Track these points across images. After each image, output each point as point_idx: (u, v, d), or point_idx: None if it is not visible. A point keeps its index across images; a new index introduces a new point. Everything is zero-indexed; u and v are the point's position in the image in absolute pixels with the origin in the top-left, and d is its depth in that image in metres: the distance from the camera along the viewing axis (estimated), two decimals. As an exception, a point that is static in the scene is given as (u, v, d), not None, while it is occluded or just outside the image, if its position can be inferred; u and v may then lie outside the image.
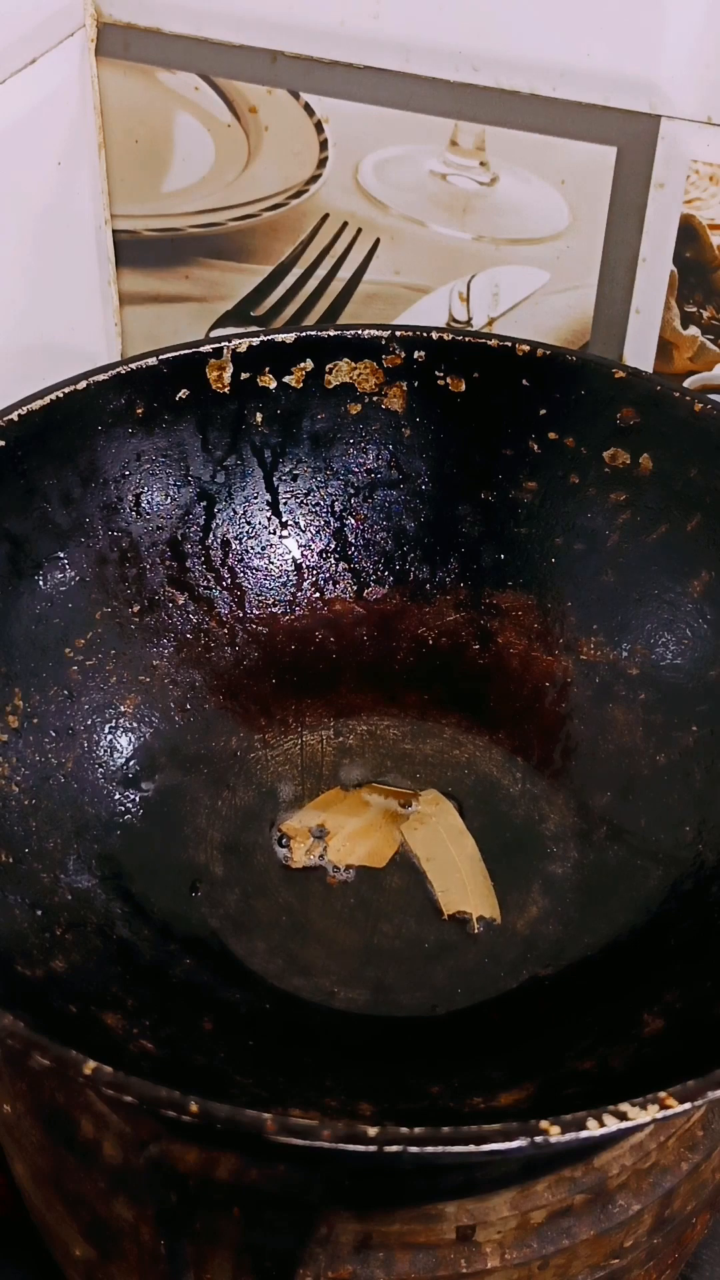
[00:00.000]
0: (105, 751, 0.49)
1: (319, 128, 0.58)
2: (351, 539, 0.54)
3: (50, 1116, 0.41)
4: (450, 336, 0.52)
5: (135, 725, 0.50)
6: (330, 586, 0.54)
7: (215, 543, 0.53)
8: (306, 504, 0.54)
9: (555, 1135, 0.30)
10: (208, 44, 0.57)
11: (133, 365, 0.50)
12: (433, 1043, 0.43)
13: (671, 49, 0.51)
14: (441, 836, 0.49)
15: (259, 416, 0.52)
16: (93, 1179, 0.40)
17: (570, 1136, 0.30)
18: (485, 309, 0.59)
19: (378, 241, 0.60)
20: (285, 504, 0.54)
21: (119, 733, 0.49)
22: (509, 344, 0.52)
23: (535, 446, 0.52)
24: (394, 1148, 0.29)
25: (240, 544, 0.53)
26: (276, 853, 0.48)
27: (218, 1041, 0.41)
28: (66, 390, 0.48)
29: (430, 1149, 0.29)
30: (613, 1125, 0.30)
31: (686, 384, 0.57)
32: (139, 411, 0.50)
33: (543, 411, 0.52)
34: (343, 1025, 0.43)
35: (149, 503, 0.51)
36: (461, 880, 0.47)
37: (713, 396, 0.54)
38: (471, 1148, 0.30)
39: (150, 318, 0.65)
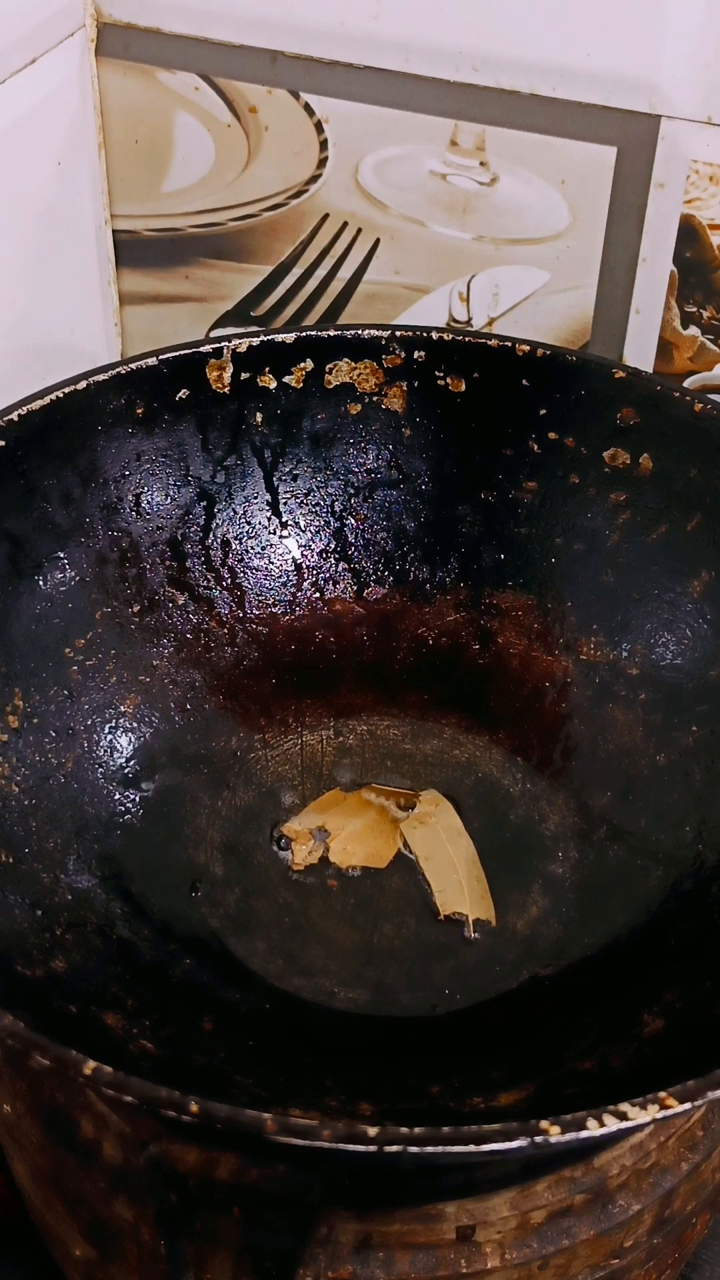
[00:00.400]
0: (105, 751, 0.49)
1: (319, 128, 0.58)
2: (351, 539, 0.54)
3: (50, 1116, 0.41)
4: (450, 336, 0.52)
5: (135, 725, 0.50)
6: (330, 586, 0.54)
7: (215, 543, 0.53)
8: (306, 504, 0.54)
9: (555, 1135, 0.30)
10: (208, 44, 0.57)
11: (133, 365, 0.50)
12: (433, 1043, 0.43)
13: (671, 49, 0.51)
14: (440, 837, 0.49)
15: (259, 416, 0.52)
16: (93, 1179, 0.40)
17: (570, 1136, 0.30)
18: (485, 309, 0.59)
19: (378, 241, 0.60)
20: (285, 504, 0.54)
21: (119, 733, 0.49)
22: (509, 344, 0.52)
23: (535, 446, 0.52)
24: (394, 1148, 0.29)
25: (240, 544, 0.53)
26: (277, 855, 0.48)
27: (218, 1041, 0.41)
28: (66, 390, 0.48)
29: (430, 1149, 0.29)
30: (613, 1125, 0.30)
31: (686, 384, 0.57)
32: (139, 411, 0.50)
33: (543, 411, 0.52)
34: (343, 1025, 0.43)
35: (149, 503, 0.51)
36: (459, 881, 0.47)
37: (713, 396, 0.54)
38: (471, 1148, 0.30)
39: (150, 318, 0.65)
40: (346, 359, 0.52)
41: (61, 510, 0.49)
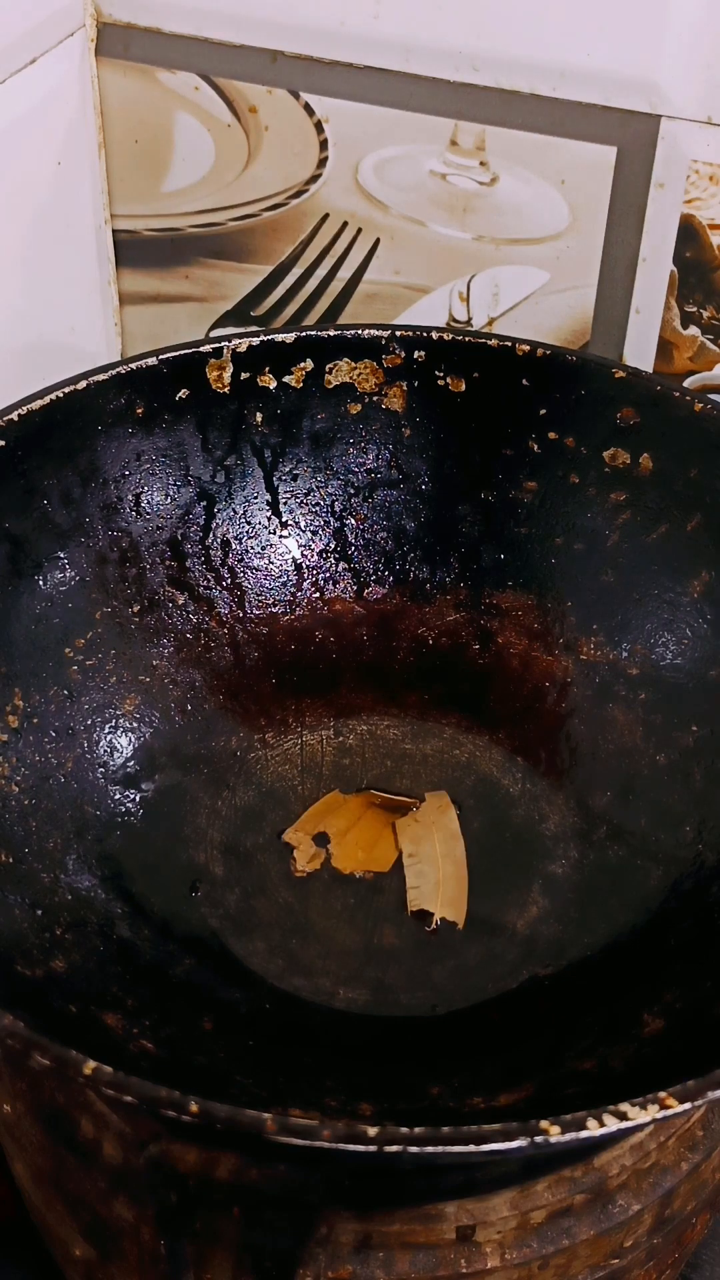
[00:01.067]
0: (105, 751, 0.49)
1: (319, 128, 0.58)
2: (351, 539, 0.54)
3: (50, 1116, 0.41)
4: (450, 336, 0.52)
5: (135, 725, 0.50)
6: (330, 586, 0.54)
7: (215, 543, 0.53)
8: (306, 504, 0.54)
9: (555, 1135, 0.30)
10: (208, 44, 0.57)
11: (133, 365, 0.50)
12: (433, 1043, 0.43)
13: (671, 49, 0.51)
14: (432, 836, 0.49)
15: (259, 416, 0.52)
16: (93, 1179, 0.40)
17: (570, 1136, 0.30)
18: (485, 309, 0.59)
19: (378, 241, 0.60)
20: (285, 504, 0.54)
21: (119, 733, 0.49)
22: (509, 344, 0.52)
23: (535, 446, 0.52)
24: (394, 1148, 0.29)
25: (240, 544, 0.53)
26: (278, 855, 0.48)
27: (218, 1041, 0.41)
28: (66, 390, 0.48)
29: (430, 1149, 0.29)
30: (613, 1125, 0.30)
31: (686, 384, 0.57)
32: (139, 411, 0.50)
33: (543, 411, 0.52)
34: (343, 1025, 0.43)
35: (149, 503, 0.51)
36: (436, 881, 0.47)
37: (713, 396, 0.54)
38: (471, 1148, 0.30)
39: (150, 318, 0.65)
40: (346, 359, 0.52)
41: (61, 510, 0.49)
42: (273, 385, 0.52)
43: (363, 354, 0.52)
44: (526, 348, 0.52)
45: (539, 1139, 0.30)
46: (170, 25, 0.57)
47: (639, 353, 0.58)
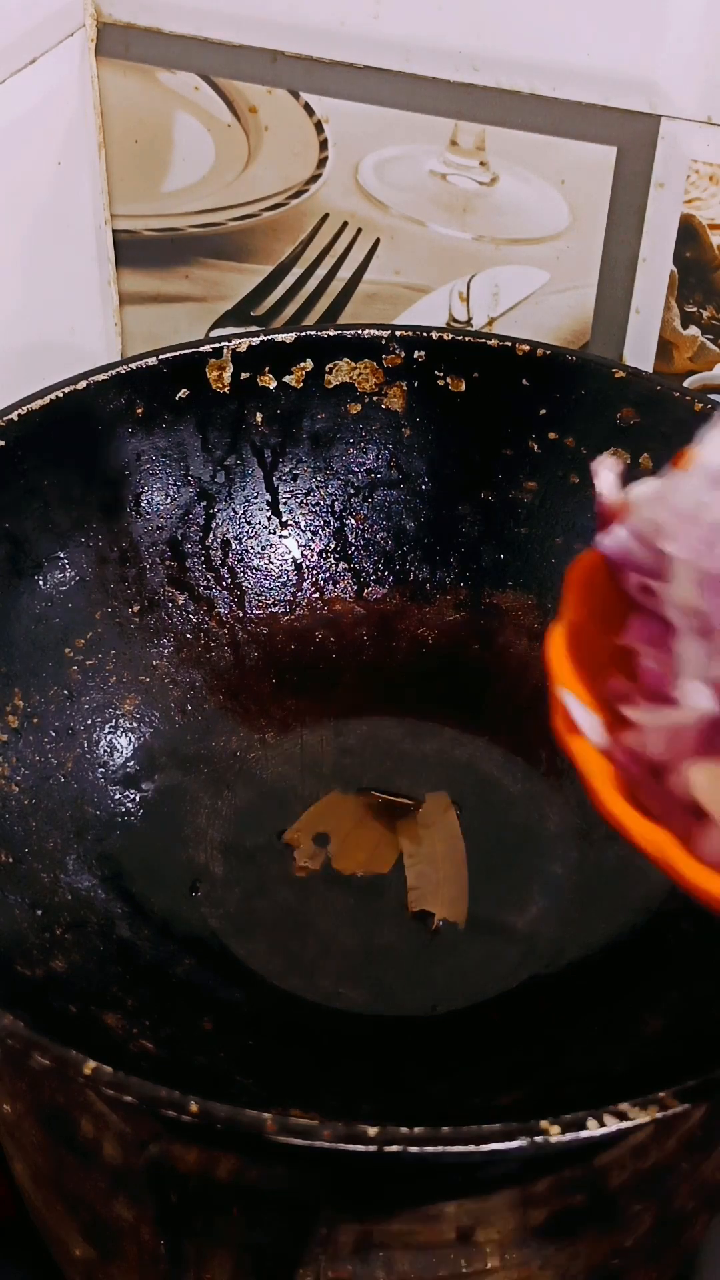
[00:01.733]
0: (105, 751, 0.49)
1: (319, 128, 0.58)
2: (351, 539, 0.54)
3: (50, 1116, 0.41)
4: (450, 336, 0.52)
5: (135, 725, 0.50)
6: (330, 586, 0.54)
7: (215, 543, 0.53)
8: (306, 504, 0.54)
9: (555, 1135, 0.30)
10: (208, 44, 0.57)
11: (133, 365, 0.50)
12: (433, 1043, 0.43)
13: (671, 49, 0.51)
14: (432, 836, 0.49)
15: (259, 416, 0.52)
16: (93, 1179, 0.40)
17: (570, 1136, 0.30)
18: (485, 309, 0.59)
19: (378, 241, 0.60)
20: (285, 504, 0.54)
21: (119, 733, 0.49)
22: (509, 344, 0.52)
23: (535, 446, 0.52)
24: (394, 1148, 0.29)
25: (240, 544, 0.53)
26: (278, 855, 0.48)
27: (218, 1041, 0.41)
28: (66, 390, 0.48)
29: (430, 1149, 0.29)
30: (613, 1125, 0.30)
31: (686, 384, 0.57)
32: (139, 411, 0.50)
33: (543, 411, 0.52)
34: (343, 1025, 0.43)
35: (149, 503, 0.51)
36: (436, 881, 0.47)
37: (713, 396, 0.54)
38: (471, 1148, 0.30)
39: (150, 318, 0.65)
40: (346, 359, 0.52)
41: (61, 510, 0.49)
42: (273, 385, 0.52)
43: (363, 354, 0.52)
44: (526, 348, 0.52)
45: (539, 1139, 0.30)
46: (170, 25, 0.57)
47: (639, 353, 0.58)
